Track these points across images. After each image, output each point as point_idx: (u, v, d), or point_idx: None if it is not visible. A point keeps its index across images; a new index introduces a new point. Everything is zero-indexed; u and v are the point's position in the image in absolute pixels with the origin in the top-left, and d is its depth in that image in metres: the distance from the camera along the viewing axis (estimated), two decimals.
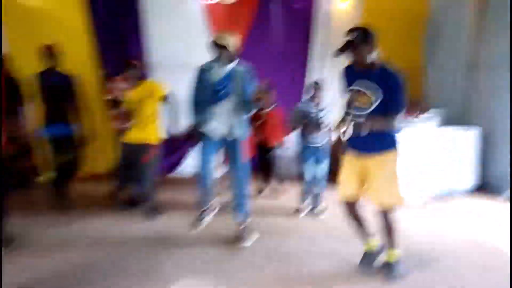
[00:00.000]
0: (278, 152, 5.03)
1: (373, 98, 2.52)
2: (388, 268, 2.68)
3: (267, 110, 4.84)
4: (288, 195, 4.89)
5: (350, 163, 2.74)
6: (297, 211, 4.20)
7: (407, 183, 4.78)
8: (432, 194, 4.90)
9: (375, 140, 2.59)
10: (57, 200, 4.25)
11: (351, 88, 2.63)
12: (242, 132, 3.33)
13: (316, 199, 4.17)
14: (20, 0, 5.59)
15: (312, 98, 4.08)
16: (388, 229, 2.65)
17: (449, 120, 5.54)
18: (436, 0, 6.31)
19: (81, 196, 4.68)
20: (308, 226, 3.79)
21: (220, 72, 3.24)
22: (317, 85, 4.07)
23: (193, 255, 2.99)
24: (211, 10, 6.05)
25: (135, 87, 3.96)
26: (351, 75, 2.64)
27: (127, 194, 4.21)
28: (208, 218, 3.42)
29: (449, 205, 4.64)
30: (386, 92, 2.50)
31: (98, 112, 5.77)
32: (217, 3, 6.04)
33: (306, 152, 4.12)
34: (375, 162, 2.62)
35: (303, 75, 6.31)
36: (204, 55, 3.56)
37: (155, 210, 3.99)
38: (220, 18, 5.97)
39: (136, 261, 2.87)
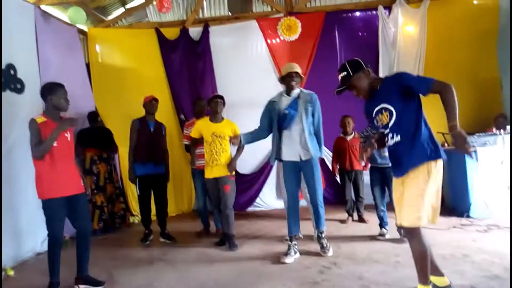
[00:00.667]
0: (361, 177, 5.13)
1: (387, 111, 2.43)
2: None
3: (350, 136, 5.08)
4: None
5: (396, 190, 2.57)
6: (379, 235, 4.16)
7: (497, 201, 4.55)
8: None
9: (404, 158, 2.39)
10: (162, 235, 4.76)
11: (371, 119, 2.61)
12: (315, 151, 3.66)
13: None
14: (104, 61, 6.31)
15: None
16: (414, 256, 2.39)
17: None
18: (505, 7, 6.06)
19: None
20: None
21: (289, 99, 3.69)
22: None
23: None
24: (275, 48, 6.35)
25: (218, 122, 4.27)
26: (366, 106, 2.64)
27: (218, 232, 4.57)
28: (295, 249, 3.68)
29: None
30: (398, 93, 2.37)
31: (178, 154, 6.27)
32: (281, 41, 6.33)
33: (375, 175, 4.23)
34: (407, 181, 2.40)
35: None
36: (270, 93, 3.99)
37: (235, 242, 4.17)
38: (284, 55, 6.23)
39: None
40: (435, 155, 2.35)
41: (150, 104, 4.70)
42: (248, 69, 6.33)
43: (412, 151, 2.36)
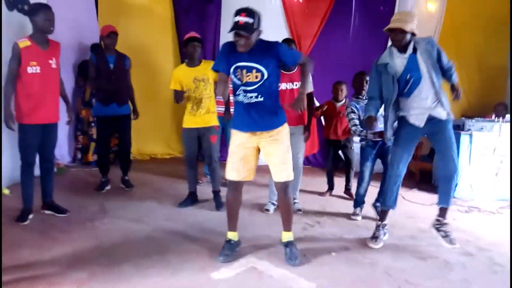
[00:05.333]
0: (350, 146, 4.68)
1: (259, 72, 2.57)
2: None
3: (340, 103, 4.61)
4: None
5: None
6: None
7: (483, 185, 4.68)
8: (507, 200, 4.70)
9: (267, 117, 2.65)
10: (122, 180, 4.48)
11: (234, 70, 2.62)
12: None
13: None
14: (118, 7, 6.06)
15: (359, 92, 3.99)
16: (287, 208, 2.79)
17: None
18: None
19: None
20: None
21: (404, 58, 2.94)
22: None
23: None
24: (290, 4, 6.18)
25: (197, 66, 3.83)
26: (237, 57, 2.58)
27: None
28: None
29: None
30: (272, 60, 2.58)
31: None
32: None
33: (367, 150, 3.85)
34: (272, 141, 2.67)
35: None
36: None
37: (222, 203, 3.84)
38: (298, 14, 6.08)
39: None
40: (284, 119, 2.75)
41: (108, 38, 4.18)
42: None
43: (275, 112, 2.69)
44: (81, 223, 3.33)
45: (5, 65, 3.19)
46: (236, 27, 2.42)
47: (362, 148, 3.91)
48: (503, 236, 3.39)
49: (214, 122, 3.91)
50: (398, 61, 2.94)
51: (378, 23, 6.17)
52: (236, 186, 2.78)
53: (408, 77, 2.93)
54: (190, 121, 3.87)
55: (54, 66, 3.23)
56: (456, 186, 3.01)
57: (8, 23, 3.84)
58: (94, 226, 3.30)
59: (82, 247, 2.86)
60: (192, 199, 4.00)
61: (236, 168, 2.71)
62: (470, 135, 4.69)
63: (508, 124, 4.73)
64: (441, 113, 2.97)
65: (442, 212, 3.11)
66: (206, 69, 3.75)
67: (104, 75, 4.17)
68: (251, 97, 2.61)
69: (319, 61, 6.13)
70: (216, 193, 3.96)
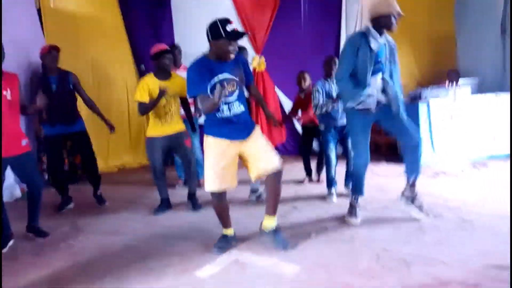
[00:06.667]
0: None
1: (234, 81, 2.65)
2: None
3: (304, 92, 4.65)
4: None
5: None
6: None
7: (445, 150, 4.89)
8: (470, 161, 4.94)
9: (247, 123, 2.73)
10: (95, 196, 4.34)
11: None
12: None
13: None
14: (57, 6, 5.89)
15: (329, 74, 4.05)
16: (277, 193, 2.75)
17: (484, 88, 5.51)
18: None
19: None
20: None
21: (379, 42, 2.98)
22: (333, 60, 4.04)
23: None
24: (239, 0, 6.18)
25: (167, 79, 3.74)
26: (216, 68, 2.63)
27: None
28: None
29: (487, 172, 4.67)
30: (241, 72, 2.71)
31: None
32: None
33: (331, 133, 3.99)
34: (253, 137, 2.71)
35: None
36: None
37: (199, 203, 3.89)
38: (247, 5, 6.11)
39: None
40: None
41: (50, 55, 4.03)
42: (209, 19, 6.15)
43: (249, 117, 2.82)
44: (55, 245, 3.22)
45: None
46: (239, 34, 2.51)
47: (323, 132, 4.01)
48: (469, 195, 3.56)
49: (183, 126, 3.89)
50: (373, 42, 2.95)
51: (328, 6, 6.34)
52: (220, 195, 2.75)
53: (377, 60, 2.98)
54: (157, 130, 3.76)
55: (9, 98, 3.07)
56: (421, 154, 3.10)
57: None
58: (69, 245, 3.20)
59: (58, 268, 2.76)
60: (166, 205, 3.95)
61: (220, 178, 2.66)
62: (428, 103, 4.87)
63: (462, 89, 4.97)
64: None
65: (413, 183, 3.18)
66: (176, 84, 3.71)
67: (49, 99, 3.77)
68: (236, 106, 2.64)
69: (276, 51, 6.26)
70: (192, 194, 3.94)
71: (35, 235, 3.36)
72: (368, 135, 3.15)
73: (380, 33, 2.96)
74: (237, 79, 2.65)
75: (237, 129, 2.66)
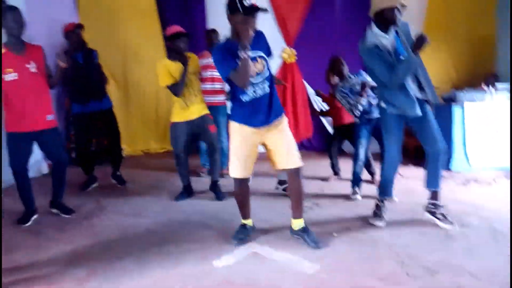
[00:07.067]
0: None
1: (262, 59, 2.57)
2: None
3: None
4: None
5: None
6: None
7: (479, 156, 4.68)
8: (503, 170, 4.72)
9: (273, 107, 2.61)
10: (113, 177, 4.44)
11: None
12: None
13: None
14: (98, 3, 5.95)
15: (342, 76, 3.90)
16: (298, 192, 2.68)
17: None
18: None
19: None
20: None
21: (391, 38, 2.80)
22: None
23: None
24: None
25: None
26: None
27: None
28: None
29: None
30: (266, 48, 2.62)
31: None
32: None
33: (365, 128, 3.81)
34: (279, 128, 2.63)
35: None
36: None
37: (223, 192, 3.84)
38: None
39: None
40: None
41: (74, 33, 4.06)
42: None
43: (277, 101, 2.65)
44: (78, 222, 3.28)
45: None
46: (256, 8, 2.40)
47: (356, 126, 3.88)
48: (502, 205, 3.40)
49: (207, 111, 3.84)
50: (385, 41, 2.79)
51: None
52: (243, 182, 2.74)
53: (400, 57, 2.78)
54: (182, 115, 3.73)
55: (33, 70, 3.07)
56: (447, 164, 2.87)
57: None
58: (91, 224, 3.25)
59: (80, 245, 2.81)
60: (188, 192, 3.94)
61: (243, 166, 2.66)
62: (462, 106, 4.68)
63: (500, 93, 4.74)
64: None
65: (434, 194, 3.01)
66: (191, 61, 3.66)
67: (78, 73, 4.01)
68: (263, 88, 2.56)
69: (308, 45, 6.12)
70: (215, 183, 3.91)
71: (60, 212, 3.41)
72: (400, 135, 3.02)
73: (386, 28, 2.78)
74: (263, 55, 2.55)
75: (262, 113, 2.58)
